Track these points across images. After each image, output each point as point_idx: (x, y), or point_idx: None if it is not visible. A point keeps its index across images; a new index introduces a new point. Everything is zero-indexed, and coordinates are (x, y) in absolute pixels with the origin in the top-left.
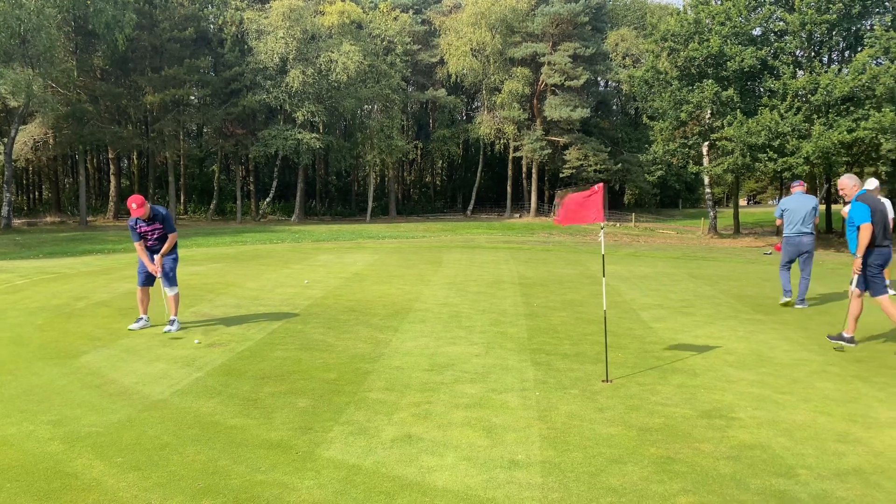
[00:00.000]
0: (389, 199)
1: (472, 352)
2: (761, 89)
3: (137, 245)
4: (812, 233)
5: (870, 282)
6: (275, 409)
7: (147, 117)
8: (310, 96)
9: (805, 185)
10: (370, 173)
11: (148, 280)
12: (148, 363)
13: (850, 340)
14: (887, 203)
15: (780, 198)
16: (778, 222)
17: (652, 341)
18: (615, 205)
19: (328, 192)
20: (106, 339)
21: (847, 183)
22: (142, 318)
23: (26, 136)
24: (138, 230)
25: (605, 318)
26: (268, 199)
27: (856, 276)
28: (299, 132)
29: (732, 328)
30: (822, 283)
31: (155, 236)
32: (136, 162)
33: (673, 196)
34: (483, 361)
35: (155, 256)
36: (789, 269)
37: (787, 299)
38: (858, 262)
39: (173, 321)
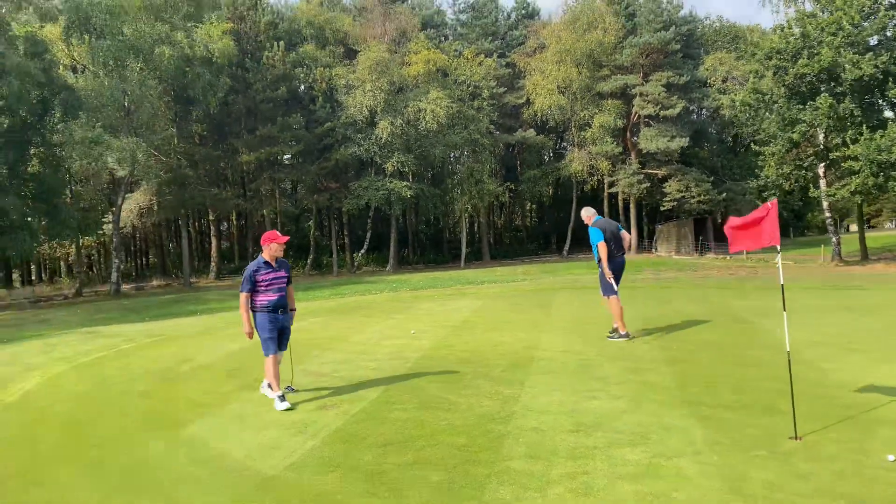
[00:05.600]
0: (482, 244)
1: (619, 407)
2: (882, 102)
3: (243, 297)
4: None
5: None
6: (404, 484)
7: (244, 178)
8: (399, 146)
9: None
10: (462, 219)
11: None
12: (257, 431)
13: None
14: None
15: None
16: None
17: (829, 385)
18: (720, 237)
19: (419, 240)
20: (212, 405)
21: (585, 214)
22: (282, 397)
23: (132, 204)
24: (258, 277)
25: (788, 360)
26: (362, 251)
27: (612, 281)
28: (390, 181)
29: None
30: None
31: (277, 286)
32: (234, 223)
33: (782, 225)
34: (635, 419)
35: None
36: None
37: None
38: (607, 270)
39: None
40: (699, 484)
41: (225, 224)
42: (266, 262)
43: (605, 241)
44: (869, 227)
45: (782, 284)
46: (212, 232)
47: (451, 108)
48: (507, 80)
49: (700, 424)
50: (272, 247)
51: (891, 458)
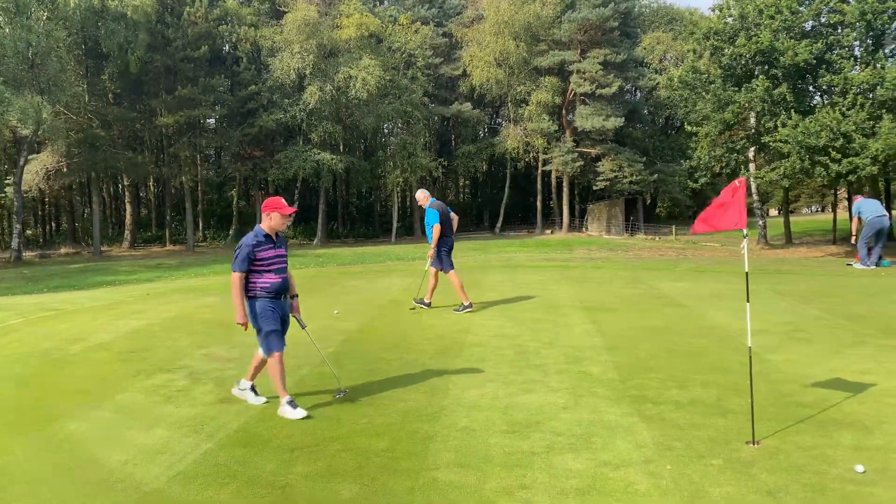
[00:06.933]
0: (414, 219)
1: (557, 402)
2: (813, 88)
3: (236, 278)
4: (887, 216)
5: (443, 261)
6: (310, 500)
7: (162, 142)
8: (328, 115)
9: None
10: (394, 192)
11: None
12: (145, 430)
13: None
14: None
15: (814, 207)
16: (855, 220)
17: (780, 380)
18: (649, 218)
19: (349, 213)
20: (97, 396)
21: (418, 196)
22: (290, 402)
23: (38, 166)
24: (258, 254)
25: (750, 359)
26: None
27: (431, 260)
28: (318, 153)
29: (873, 358)
30: None
31: (279, 265)
32: (151, 189)
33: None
34: (576, 416)
35: (291, 303)
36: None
37: (861, 267)
38: (432, 251)
39: (249, 388)
40: (653, 501)
41: (143, 189)
42: (267, 235)
43: (441, 223)
44: (789, 213)
45: (747, 273)
46: (127, 198)
47: (383, 78)
48: (443, 50)
49: (646, 425)
50: (274, 217)
51: (859, 468)
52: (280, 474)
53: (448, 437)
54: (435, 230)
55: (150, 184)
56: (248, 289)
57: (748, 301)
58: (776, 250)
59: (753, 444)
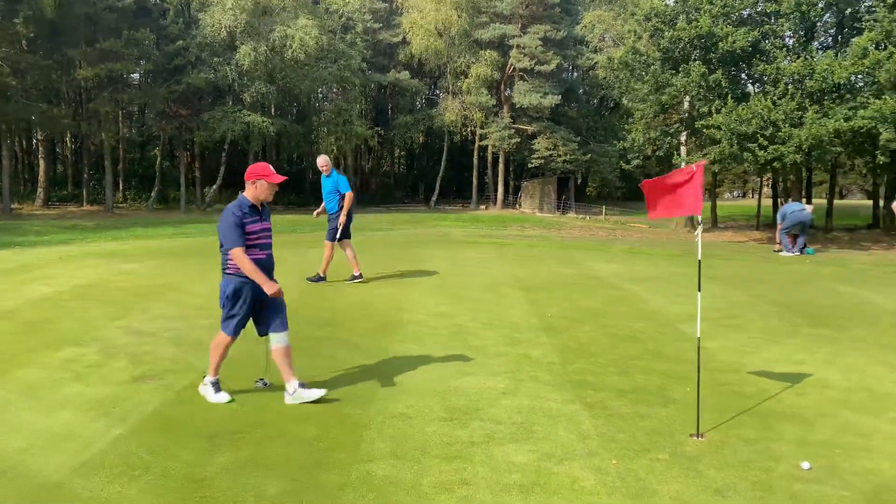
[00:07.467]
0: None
1: (497, 387)
2: (745, 76)
3: (239, 252)
4: (807, 210)
5: (341, 232)
6: (230, 498)
7: (81, 96)
8: (261, 76)
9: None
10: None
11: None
12: (48, 412)
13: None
14: None
15: (735, 192)
16: (780, 224)
17: (718, 369)
18: (579, 197)
19: None
20: None
21: (321, 162)
22: (215, 383)
23: None
24: (247, 227)
25: (698, 349)
26: (215, 187)
27: (340, 230)
28: (248, 114)
29: (806, 348)
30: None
31: (264, 240)
32: (69, 144)
33: (635, 189)
34: (516, 403)
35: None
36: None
37: (787, 254)
38: (343, 218)
39: (298, 387)
40: (599, 500)
41: (60, 145)
42: (252, 206)
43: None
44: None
45: (699, 261)
46: (41, 153)
47: (321, 39)
48: (382, 15)
49: (588, 413)
50: (260, 185)
51: (805, 465)
52: (198, 465)
53: (383, 424)
54: (349, 198)
55: (67, 139)
56: (226, 266)
57: (699, 290)
58: (702, 234)
59: (698, 437)
